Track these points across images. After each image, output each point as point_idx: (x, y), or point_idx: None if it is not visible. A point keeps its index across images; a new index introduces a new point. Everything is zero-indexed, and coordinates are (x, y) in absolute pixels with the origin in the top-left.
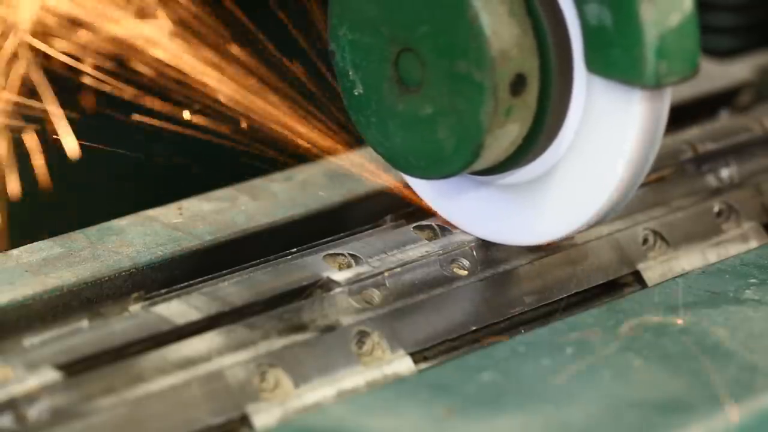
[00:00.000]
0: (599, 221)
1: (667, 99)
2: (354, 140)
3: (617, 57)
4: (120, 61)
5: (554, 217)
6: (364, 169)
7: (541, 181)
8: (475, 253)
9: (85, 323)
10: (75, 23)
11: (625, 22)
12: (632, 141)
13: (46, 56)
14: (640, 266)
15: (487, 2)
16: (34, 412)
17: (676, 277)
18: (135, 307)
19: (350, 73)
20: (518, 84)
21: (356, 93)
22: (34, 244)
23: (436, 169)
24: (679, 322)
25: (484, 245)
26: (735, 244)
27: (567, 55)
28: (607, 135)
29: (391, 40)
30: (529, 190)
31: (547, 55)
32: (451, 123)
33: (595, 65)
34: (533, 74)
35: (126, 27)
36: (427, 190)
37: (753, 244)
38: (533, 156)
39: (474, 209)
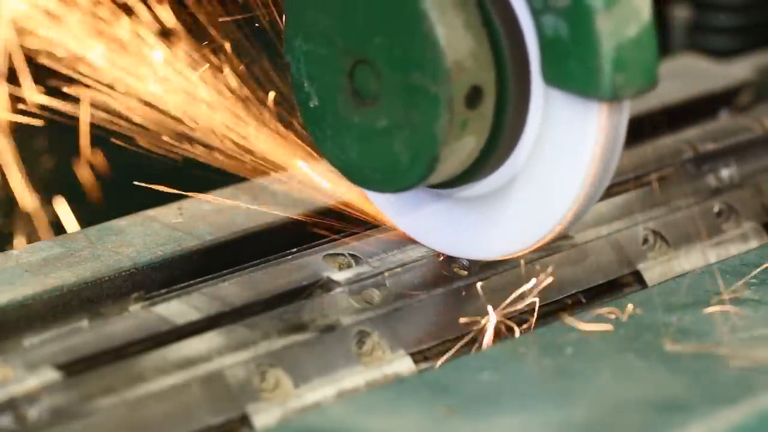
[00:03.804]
0: (559, 234)
1: (625, 111)
2: None
3: (574, 69)
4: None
5: (513, 231)
6: None
7: (499, 194)
8: None
9: (85, 323)
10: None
11: (581, 34)
12: (590, 153)
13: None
14: (640, 266)
15: (443, 13)
16: (34, 412)
17: (676, 277)
18: (135, 307)
19: (305, 84)
20: (474, 96)
21: (312, 105)
22: (34, 244)
23: (392, 182)
24: (679, 322)
25: None
26: (735, 244)
27: (524, 67)
28: (565, 148)
29: (346, 51)
30: (487, 204)
31: (504, 67)
32: (407, 136)
33: (552, 77)
34: (489, 86)
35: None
36: (385, 204)
37: (753, 244)
38: (491, 169)
39: (433, 223)
